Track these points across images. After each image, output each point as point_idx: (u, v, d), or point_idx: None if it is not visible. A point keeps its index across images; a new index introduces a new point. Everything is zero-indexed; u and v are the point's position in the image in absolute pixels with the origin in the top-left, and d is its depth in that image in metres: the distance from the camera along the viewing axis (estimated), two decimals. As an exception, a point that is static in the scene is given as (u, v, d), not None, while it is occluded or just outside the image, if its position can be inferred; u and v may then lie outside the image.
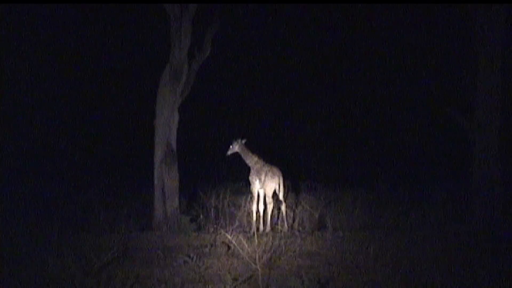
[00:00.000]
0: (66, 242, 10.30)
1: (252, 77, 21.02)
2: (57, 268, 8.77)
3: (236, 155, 12.60)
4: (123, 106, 19.41)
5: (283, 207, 12.50)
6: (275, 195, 12.44)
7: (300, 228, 12.54)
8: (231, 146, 12.57)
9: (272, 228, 12.46)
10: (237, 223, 12.75)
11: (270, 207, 12.44)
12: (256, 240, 9.29)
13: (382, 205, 13.70)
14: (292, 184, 14.40)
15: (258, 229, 12.25)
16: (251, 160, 12.45)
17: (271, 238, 10.49)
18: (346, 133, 20.73)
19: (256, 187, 12.38)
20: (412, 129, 20.11)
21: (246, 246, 9.37)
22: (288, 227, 12.44)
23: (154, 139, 12.65)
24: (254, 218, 12.44)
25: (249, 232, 12.02)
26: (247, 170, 12.56)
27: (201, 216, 12.92)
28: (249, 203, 13.12)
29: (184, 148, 13.56)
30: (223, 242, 10.36)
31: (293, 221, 12.97)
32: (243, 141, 12.54)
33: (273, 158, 12.77)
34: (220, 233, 11.08)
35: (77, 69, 18.98)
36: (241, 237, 10.12)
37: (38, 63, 18.01)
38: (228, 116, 21.00)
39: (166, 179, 12.43)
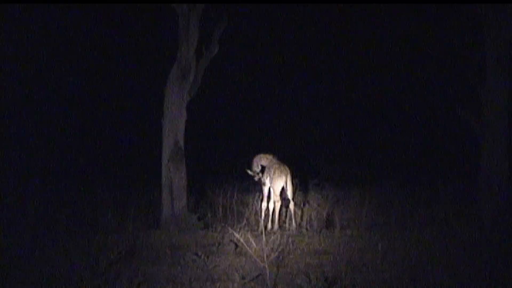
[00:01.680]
0: (74, 241, 10.32)
1: (260, 76, 20.98)
2: (65, 267, 8.77)
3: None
4: (131, 104, 19.42)
5: (291, 206, 12.47)
6: (283, 193, 12.42)
7: (308, 227, 12.53)
8: (257, 175, 12.60)
9: (280, 227, 12.45)
10: (245, 221, 12.71)
11: (278, 206, 12.42)
12: (264, 239, 9.26)
13: (390, 204, 13.65)
14: (300, 183, 14.35)
15: (266, 227, 12.22)
16: (267, 160, 12.51)
17: (279, 236, 10.46)
18: (354, 132, 20.67)
19: (267, 184, 12.40)
20: (420, 127, 20.03)
21: (254, 244, 9.36)
22: (296, 225, 12.42)
23: (161, 137, 12.64)
24: (263, 216, 12.44)
25: (257, 230, 12.00)
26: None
27: (209, 214, 12.91)
28: (257, 201, 13.10)
29: (192, 146, 13.54)
30: (230, 241, 10.35)
31: (301, 219, 12.95)
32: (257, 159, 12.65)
33: (281, 156, 12.74)
34: (228, 232, 11.05)
35: (85, 67, 18.99)
36: (249, 235, 10.10)
37: (46, 62, 18.02)
38: (236, 115, 20.97)
39: (174, 177, 12.42)
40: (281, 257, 9.37)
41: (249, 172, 12.70)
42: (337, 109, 21.16)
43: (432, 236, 10.89)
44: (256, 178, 12.67)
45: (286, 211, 12.89)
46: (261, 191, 12.67)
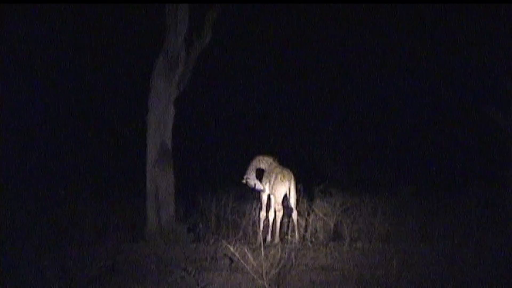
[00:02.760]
0: (47, 254, 10.26)
1: (260, 68, 20.96)
2: (37, 284, 8.73)
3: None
4: (112, 100, 19.39)
5: (294, 215, 12.46)
6: (285, 201, 12.40)
7: (313, 239, 12.51)
8: (254, 183, 12.57)
9: (281, 239, 12.44)
10: (241, 233, 12.73)
11: (279, 215, 12.40)
12: (263, 253, 9.24)
13: (406, 213, 13.67)
14: (304, 189, 14.34)
15: (265, 240, 12.21)
16: (267, 164, 12.49)
17: (280, 250, 10.41)
18: (366, 131, 20.68)
19: (266, 191, 12.38)
20: (440, 126, 20.05)
21: (252, 259, 9.33)
22: (300, 237, 12.40)
23: (146, 137, 12.61)
24: (261, 227, 12.42)
25: (255, 243, 11.97)
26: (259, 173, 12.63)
27: (200, 225, 12.90)
28: (254, 210, 13.09)
29: (181, 147, 13.53)
30: (225, 255, 10.35)
31: (305, 231, 12.94)
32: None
33: (284, 160, 12.73)
34: (222, 245, 11.03)
35: (60, 59, 18.95)
36: (245, 249, 10.04)
37: (22, 59, 18.03)
38: (232, 112, 20.96)
39: (160, 183, 12.40)
40: (282, 273, 9.36)
41: (243, 180, 12.65)
42: (347, 106, 21.16)
43: (455, 249, 10.89)
44: (251, 185, 12.62)
45: (288, 222, 12.89)
46: (259, 198, 12.65)
